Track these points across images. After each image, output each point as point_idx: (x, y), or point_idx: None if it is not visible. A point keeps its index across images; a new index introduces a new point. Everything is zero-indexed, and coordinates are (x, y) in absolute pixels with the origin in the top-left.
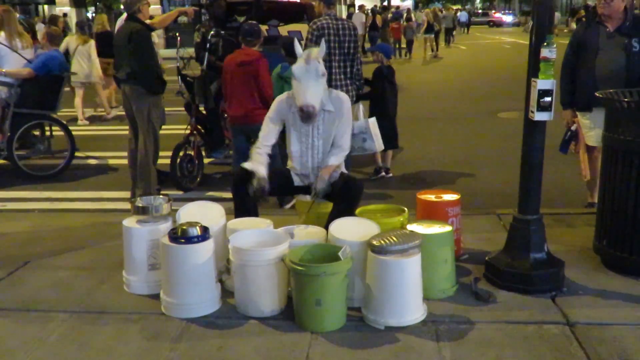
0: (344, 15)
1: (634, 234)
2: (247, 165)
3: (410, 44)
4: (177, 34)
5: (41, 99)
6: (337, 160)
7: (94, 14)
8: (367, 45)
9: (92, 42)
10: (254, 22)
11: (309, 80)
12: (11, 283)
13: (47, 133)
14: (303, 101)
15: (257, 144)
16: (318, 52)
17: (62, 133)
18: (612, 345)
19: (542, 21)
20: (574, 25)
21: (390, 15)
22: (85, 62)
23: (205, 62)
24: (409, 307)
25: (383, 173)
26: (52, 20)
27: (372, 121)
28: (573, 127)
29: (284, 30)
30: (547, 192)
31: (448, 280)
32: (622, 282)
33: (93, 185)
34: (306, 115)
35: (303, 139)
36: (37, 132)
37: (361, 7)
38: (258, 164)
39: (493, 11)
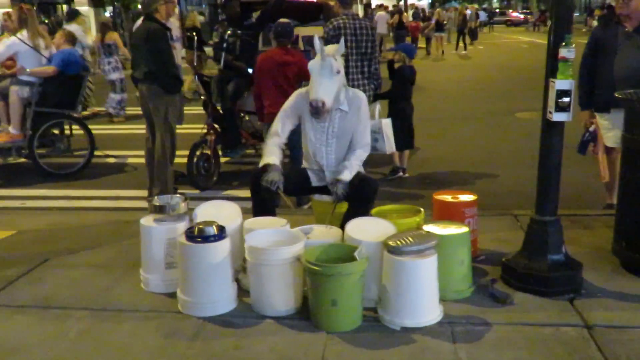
0: (361, 15)
1: None
2: (264, 159)
3: (428, 41)
4: (194, 34)
5: (61, 98)
6: (356, 164)
7: (112, 14)
8: (390, 45)
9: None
10: (286, 21)
11: (323, 76)
12: (30, 280)
13: (67, 132)
14: (313, 95)
15: (269, 136)
16: (335, 49)
17: (81, 132)
18: (630, 349)
19: (561, 21)
20: (594, 24)
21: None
22: None
23: (222, 62)
24: (425, 308)
25: (400, 173)
26: (72, 14)
27: (387, 122)
28: (591, 128)
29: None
30: (565, 193)
31: (464, 281)
32: None
33: (111, 183)
34: (315, 110)
35: (318, 136)
36: (57, 131)
37: (381, 6)
38: (269, 155)
39: (510, 10)
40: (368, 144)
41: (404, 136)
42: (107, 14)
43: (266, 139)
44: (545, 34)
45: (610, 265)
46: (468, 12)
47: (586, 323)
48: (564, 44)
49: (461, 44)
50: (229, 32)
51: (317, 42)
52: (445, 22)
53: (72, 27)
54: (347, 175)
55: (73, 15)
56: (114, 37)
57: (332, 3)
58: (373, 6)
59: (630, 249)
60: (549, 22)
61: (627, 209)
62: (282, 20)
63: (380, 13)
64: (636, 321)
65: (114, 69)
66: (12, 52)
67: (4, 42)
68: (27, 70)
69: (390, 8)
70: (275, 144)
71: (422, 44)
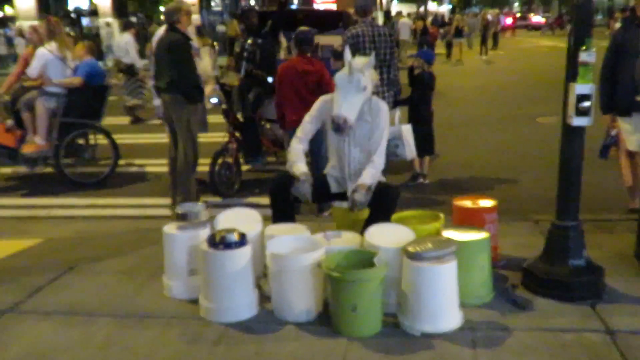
0: (381, 22)
1: None
2: (292, 167)
3: (449, 46)
4: (216, 44)
5: (86, 109)
6: (371, 179)
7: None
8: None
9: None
10: (306, 29)
11: (348, 92)
12: (56, 288)
13: (92, 142)
14: (336, 111)
15: (294, 141)
16: (364, 63)
17: (106, 141)
18: None
19: (581, 24)
20: (616, 26)
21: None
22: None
23: (243, 71)
24: (445, 314)
25: (420, 179)
26: (128, 25)
27: (407, 128)
28: (613, 132)
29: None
30: (587, 197)
31: (485, 286)
32: None
33: (135, 192)
34: (336, 126)
35: (340, 145)
36: (82, 141)
37: (399, 14)
38: (298, 160)
39: (532, 14)
40: (381, 166)
41: (424, 142)
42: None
43: (291, 143)
44: (563, 37)
45: (633, 270)
46: (489, 17)
47: (608, 328)
48: (584, 47)
49: (483, 49)
50: (249, 41)
51: (347, 54)
52: (464, 27)
53: (125, 37)
54: (368, 180)
55: (127, 26)
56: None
57: (350, 11)
58: (393, 13)
59: None
60: (567, 26)
61: None
62: (303, 28)
63: (403, 20)
64: None
65: None
66: (42, 64)
67: (35, 56)
68: (54, 81)
69: (406, 14)
70: (301, 150)
71: (441, 49)
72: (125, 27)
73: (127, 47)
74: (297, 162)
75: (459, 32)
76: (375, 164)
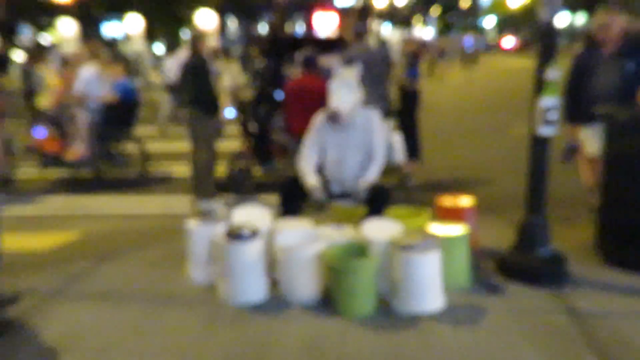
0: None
1: (631, 232)
2: (306, 181)
3: (431, 66)
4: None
5: (121, 121)
6: (375, 174)
7: (165, 49)
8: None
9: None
10: (312, 53)
11: (340, 88)
12: (93, 275)
13: (125, 149)
14: (331, 104)
15: (302, 157)
16: (352, 72)
17: (137, 149)
18: (610, 332)
19: (547, 46)
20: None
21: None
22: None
23: (256, 87)
24: (430, 297)
25: (408, 180)
26: (195, 39)
27: (397, 137)
28: (575, 139)
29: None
30: (552, 196)
31: (464, 273)
32: (620, 276)
33: (162, 192)
34: (332, 114)
35: (340, 150)
36: (116, 148)
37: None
38: (309, 175)
39: (503, 38)
40: (382, 160)
41: (411, 148)
42: (158, 48)
43: (299, 161)
44: (532, 57)
45: (593, 259)
46: (466, 41)
47: (572, 310)
48: (549, 66)
49: (463, 68)
50: (262, 63)
51: (336, 67)
52: (444, 49)
53: (171, 60)
54: (372, 175)
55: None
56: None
57: (348, 37)
58: (382, 37)
59: (611, 244)
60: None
61: (608, 209)
62: (309, 52)
63: (394, 43)
64: (615, 308)
65: None
66: (84, 82)
67: (78, 75)
68: (93, 97)
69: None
70: (307, 166)
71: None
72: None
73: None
74: (307, 176)
75: (441, 54)
76: (377, 163)
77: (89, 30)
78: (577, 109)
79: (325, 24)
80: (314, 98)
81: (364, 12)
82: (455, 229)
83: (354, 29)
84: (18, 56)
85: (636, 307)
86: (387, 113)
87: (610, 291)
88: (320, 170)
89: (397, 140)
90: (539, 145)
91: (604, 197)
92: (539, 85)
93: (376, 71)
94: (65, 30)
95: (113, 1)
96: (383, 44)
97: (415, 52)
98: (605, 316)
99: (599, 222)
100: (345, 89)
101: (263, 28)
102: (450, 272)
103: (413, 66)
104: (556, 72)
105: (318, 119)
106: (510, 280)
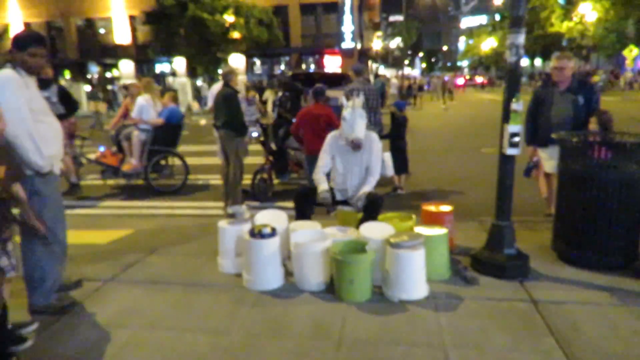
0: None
1: (581, 235)
2: (318, 187)
3: (415, 97)
4: (256, 95)
5: (167, 140)
6: (370, 187)
7: (203, 82)
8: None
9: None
10: (321, 85)
11: (356, 119)
12: (143, 264)
13: (170, 162)
14: (354, 136)
15: (317, 170)
16: (360, 102)
17: (180, 162)
18: (565, 318)
19: (512, 83)
20: (535, 85)
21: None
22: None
23: (276, 114)
24: (416, 286)
25: (398, 191)
26: (227, 75)
27: (387, 155)
28: (535, 158)
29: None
30: (516, 205)
31: (444, 267)
32: (573, 271)
33: (199, 198)
34: (356, 145)
35: (345, 165)
36: (163, 162)
37: (383, 76)
38: (322, 182)
39: (476, 76)
40: (379, 172)
41: (401, 164)
42: (199, 82)
43: (315, 172)
44: (499, 92)
45: (550, 257)
46: (446, 78)
47: (532, 299)
48: (514, 99)
49: (442, 100)
50: (280, 94)
51: (344, 101)
52: (424, 85)
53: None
54: (368, 188)
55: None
56: (252, 94)
57: (350, 73)
58: (380, 74)
59: (565, 245)
60: (498, 84)
61: (562, 216)
62: (318, 85)
63: (393, 81)
64: (569, 297)
65: (253, 113)
66: (139, 109)
67: (135, 103)
68: (145, 120)
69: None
70: (322, 176)
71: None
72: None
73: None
74: (320, 184)
75: (421, 88)
76: (374, 177)
77: (144, 68)
78: (535, 133)
79: (332, 63)
80: (320, 123)
81: (363, 54)
82: (437, 231)
83: (354, 68)
84: (87, 88)
85: (586, 297)
86: (381, 136)
87: (564, 284)
88: (327, 180)
89: (388, 158)
90: (506, 162)
91: (559, 206)
92: (506, 114)
93: (372, 102)
94: (125, 68)
95: (164, 46)
96: (381, 79)
97: (410, 86)
98: (560, 304)
99: (554, 226)
100: (359, 119)
101: (282, 67)
102: (432, 265)
103: (408, 96)
104: (520, 105)
105: (330, 138)
106: (481, 273)
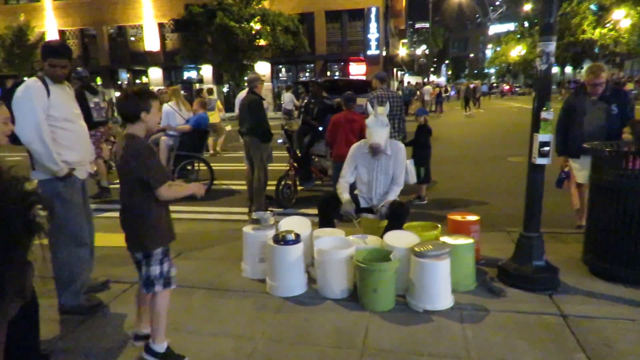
0: (396, 87)
1: (613, 249)
2: (341, 198)
3: (437, 105)
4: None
5: (193, 146)
6: (395, 196)
7: (228, 89)
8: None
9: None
10: (350, 92)
11: (377, 126)
12: None
13: (196, 168)
14: (372, 141)
15: (341, 179)
16: (384, 110)
17: (205, 168)
18: (597, 333)
19: (542, 91)
20: (564, 93)
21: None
22: None
23: (302, 120)
24: (441, 297)
25: (422, 200)
26: (253, 82)
27: (410, 162)
28: (566, 169)
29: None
30: (546, 216)
31: (470, 278)
32: (604, 285)
33: (224, 203)
34: (374, 150)
35: (370, 173)
36: (189, 167)
37: (409, 83)
38: (343, 192)
39: (504, 84)
40: (402, 184)
41: (425, 173)
42: (225, 89)
43: (339, 181)
44: (528, 100)
45: (581, 270)
46: (472, 85)
47: (562, 313)
48: (544, 108)
49: (467, 108)
50: (306, 100)
51: (369, 107)
52: (447, 93)
53: (287, 96)
54: (392, 196)
55: (289, 87)
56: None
57: (374, 81)
58: (405, 83)
59: (596, 258)
60: (527, 92)
61: (594, 228)
62: (349, 92)
63: (426, 87)
64: (601, 312)
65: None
66: (166, 115)
67: (162, 110)
68: (173, 127)
69: (412, 83)
70: (345, 185)
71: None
72: (288, 88)
73: (291, 101)
74: (343, 194)
75: (439, 96)
76: (398, 186)
77: (172, 75)
78: (566, 143)
79: (357, 70)
80: (353, 129)
81: (388, 62)
82: (463, 240)
83: (378, 75)
84: (117, 94)
85: (618, 312)
86: (404, 143)
87: (596, 298)
88: (352, 188)
89: (410, 165)
90: (536, 172)
91: (590, 217)
92: (536, 123)
93: (396, 109)
94: (154, 74)
95: (191, 54)
96: (409, 87)
97: (439, 93)
98: (592, 319)
99: (585, 238)
100: (380, 127)
101: (306, 75)
102: (458, 276)
103: (437, 104)
104: (550, 113)
105: (356, 147)
106: (508, 285)
